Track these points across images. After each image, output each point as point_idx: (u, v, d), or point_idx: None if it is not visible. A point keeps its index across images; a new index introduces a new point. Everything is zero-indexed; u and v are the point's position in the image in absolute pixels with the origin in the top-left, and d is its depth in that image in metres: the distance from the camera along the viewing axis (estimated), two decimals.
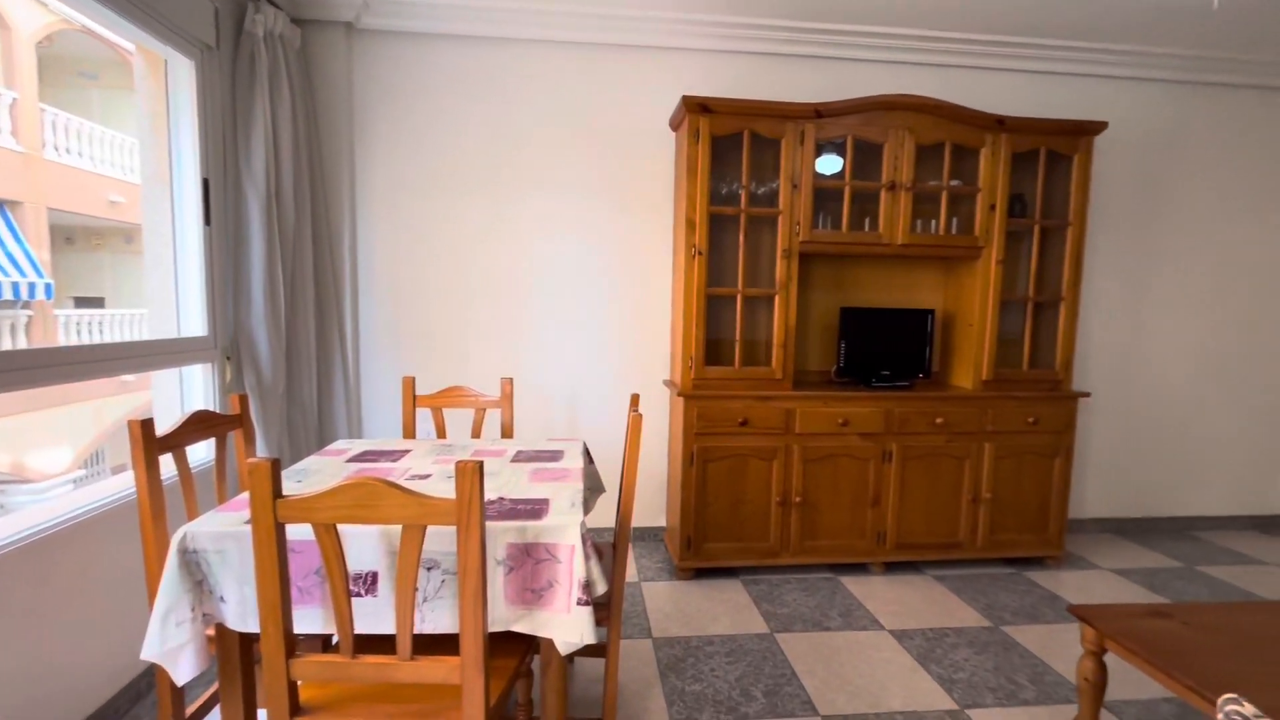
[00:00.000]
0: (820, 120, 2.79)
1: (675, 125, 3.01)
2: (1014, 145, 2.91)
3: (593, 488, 1.99)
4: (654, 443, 3.29)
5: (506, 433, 2.43)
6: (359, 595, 1.27)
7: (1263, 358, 3.66)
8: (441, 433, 2.42)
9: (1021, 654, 2.31)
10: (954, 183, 2.96)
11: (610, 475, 3.17)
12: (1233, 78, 3.41)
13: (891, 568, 3.04)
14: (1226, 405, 3.67)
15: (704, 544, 2.85)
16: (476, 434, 2.42)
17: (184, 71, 2.31)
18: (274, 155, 2.52)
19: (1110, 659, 1.92)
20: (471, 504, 1.07)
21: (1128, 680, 2.13)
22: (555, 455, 1.94)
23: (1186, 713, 1.98)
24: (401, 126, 3.02)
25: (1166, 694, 2.08)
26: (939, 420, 2.92)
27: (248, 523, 1.24)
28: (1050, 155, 2.98)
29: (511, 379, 2.46)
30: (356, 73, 2.97)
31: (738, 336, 2.90)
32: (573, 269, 3.18)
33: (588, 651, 1.92)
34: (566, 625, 1.30)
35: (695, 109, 2.71)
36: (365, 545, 1.27)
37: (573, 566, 1.31)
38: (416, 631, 1.21)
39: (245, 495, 1.45)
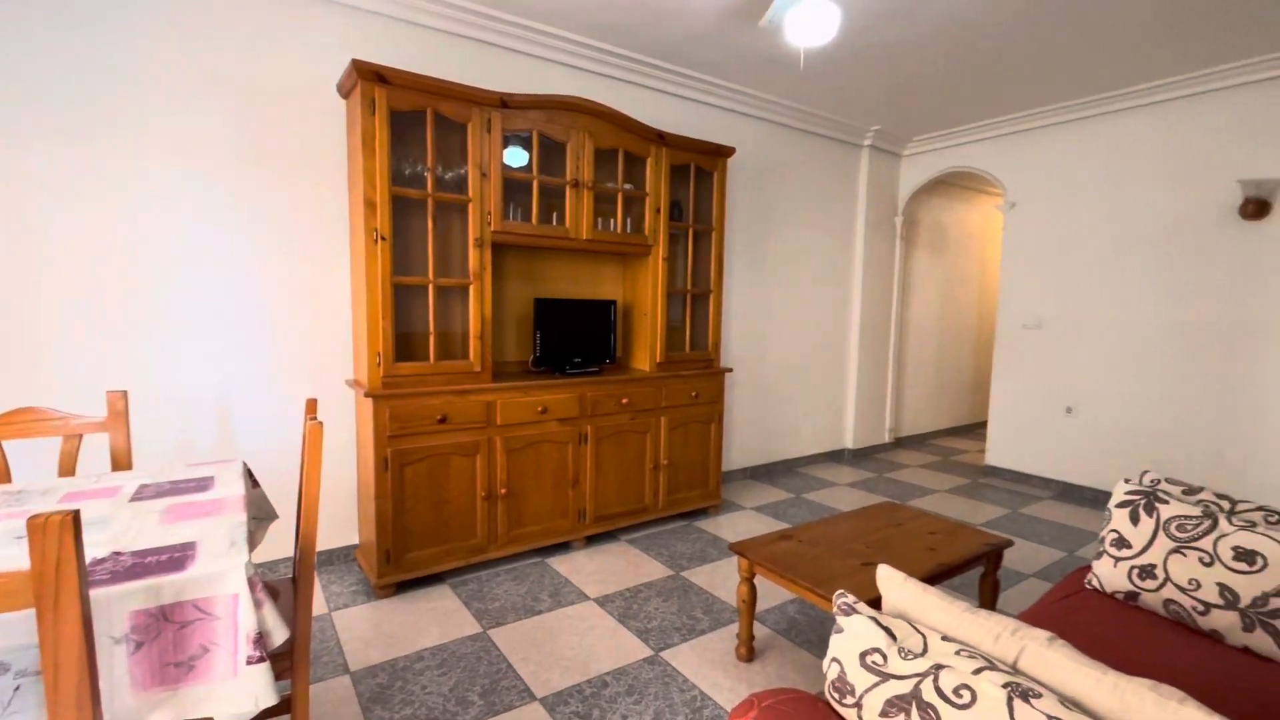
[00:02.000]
0: (507, 111, 2.79)
1: (346, 92, 2.66)
2: (672, 158, 3.37)
3: (261, 516, 1.65)
4: (339, 451, 2.90)
5: (121, 464, 1.85)
6: None
7: (830, 337, 5.02)
8: (4, 476, 1.71)
9: (697, 593, 2.72)
10: (627, 186, 3.29)
11: (285, 497, 2.69)
12: (824, 130, 4.58)
13: (592, 540, 3.27)
14: (811, 371, 4.92)
15: (405, 554, 2.63)
16: (69, 471, 1.78)
17: None
18: None
19: (758, 580, 2.42)
20: (60, 571, 0.77)
21: (769, 594, 2.70)
22: (202, 484, 1.54)
23: (805, 607, 2.61)
24: None
25: (792, 597, 2.70)
26: (625, 401, 3.24)
27: None
28: (698, 170, 3.54)
29: (126, 392, 1.87)
30: None
31: (431, 329, 2.73)
32: (218, 249, 2.56)
33: (268, 713, 1.60)
34: (233, 694, 1.05)
35: (369, 77, 2.44)
36: None
37: (237, 620, 1.06)
38: None
39: None
